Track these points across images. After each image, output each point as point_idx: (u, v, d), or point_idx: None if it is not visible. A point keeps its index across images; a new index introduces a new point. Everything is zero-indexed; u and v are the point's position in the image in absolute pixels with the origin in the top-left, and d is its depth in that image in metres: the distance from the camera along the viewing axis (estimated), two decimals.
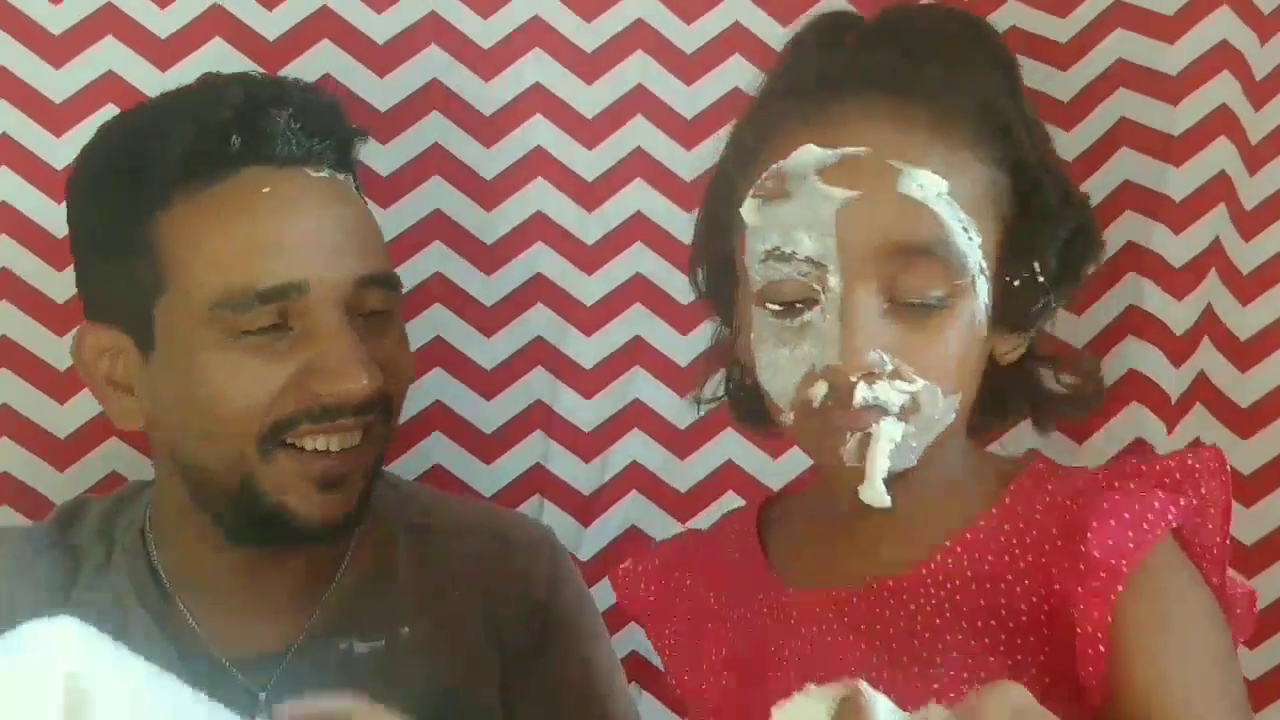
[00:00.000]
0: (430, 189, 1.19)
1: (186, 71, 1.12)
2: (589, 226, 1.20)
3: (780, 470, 1.20)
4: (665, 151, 1.20)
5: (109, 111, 1.09)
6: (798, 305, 0.80)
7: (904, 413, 0.79)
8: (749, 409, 0.92)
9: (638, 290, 1.20)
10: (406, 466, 1.18)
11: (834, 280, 0.79)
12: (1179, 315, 1.11)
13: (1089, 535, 0.77)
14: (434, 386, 1.19)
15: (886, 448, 0.79)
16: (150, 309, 0.91)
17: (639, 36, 1.20)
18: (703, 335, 1.17)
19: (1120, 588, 0.76)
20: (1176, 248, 1.11)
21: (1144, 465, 0.82)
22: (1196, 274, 1.11)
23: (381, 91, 1.18)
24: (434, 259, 1.19)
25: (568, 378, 1.20)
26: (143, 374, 0.93)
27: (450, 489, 1.18)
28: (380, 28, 1.18)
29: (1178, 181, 1.11)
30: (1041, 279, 0.83)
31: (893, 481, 0.80)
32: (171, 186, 0.90)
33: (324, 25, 1.18)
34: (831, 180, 0.79)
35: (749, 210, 0.82)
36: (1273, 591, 1.08)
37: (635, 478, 1.20)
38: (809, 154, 0.80)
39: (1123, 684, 0.76)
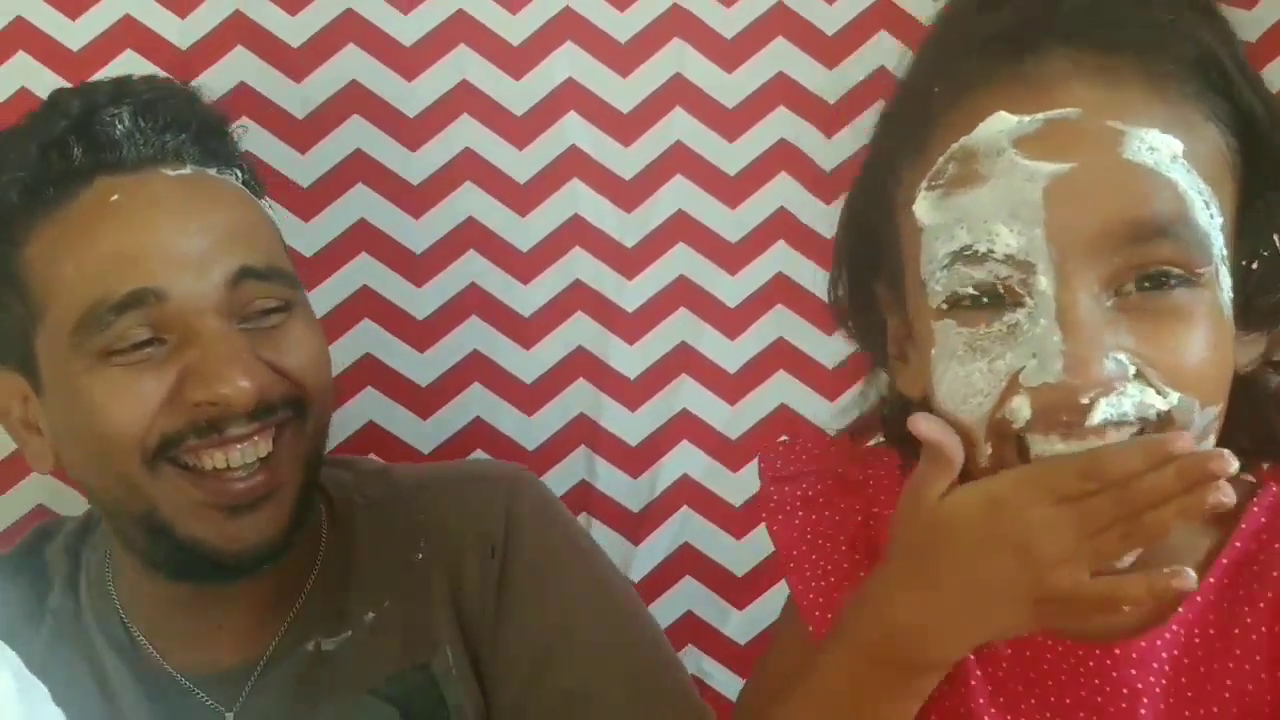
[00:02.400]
0: (462, 195, 1.13)
1: None
2: (628, 228, 1.14)
3: None
4: (706, 145, 1.14)
5: None
6: (991, 317, 0.65)
7: (1140, 430, 0.63)
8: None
9: (682, 294, 1.14)
10: None
11: (1044, 280, 0.63)
12: None
13: None
14: (473, 401, 1.13)
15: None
16: (31, 345, 0.86)
17: (676, 24, 1.13)
18: (750, 338, 1.14)
19: None
20: None
21: None
22: None
23: (408, 96, 1.13)
24: (470, 269, 1.13)
25: (611, 389, 1.14)
26: (42, 413, 0.88)
27: None
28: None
29: None
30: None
31: None
32: (24, 215, 0.85)
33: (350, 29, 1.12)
34: (1034, 153, 0.63)
35: (924, 207, 0.67)
36: None
37: (686, 492, 1.14)
38: (1001, 123, 0.64)
39: None
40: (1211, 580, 0.69)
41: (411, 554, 0.93)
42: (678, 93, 1.13)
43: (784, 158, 1.14)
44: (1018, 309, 0.64)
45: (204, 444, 0.84)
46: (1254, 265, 0.67)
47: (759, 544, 1.13)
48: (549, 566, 0.93)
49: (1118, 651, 0.69)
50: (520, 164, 1.13)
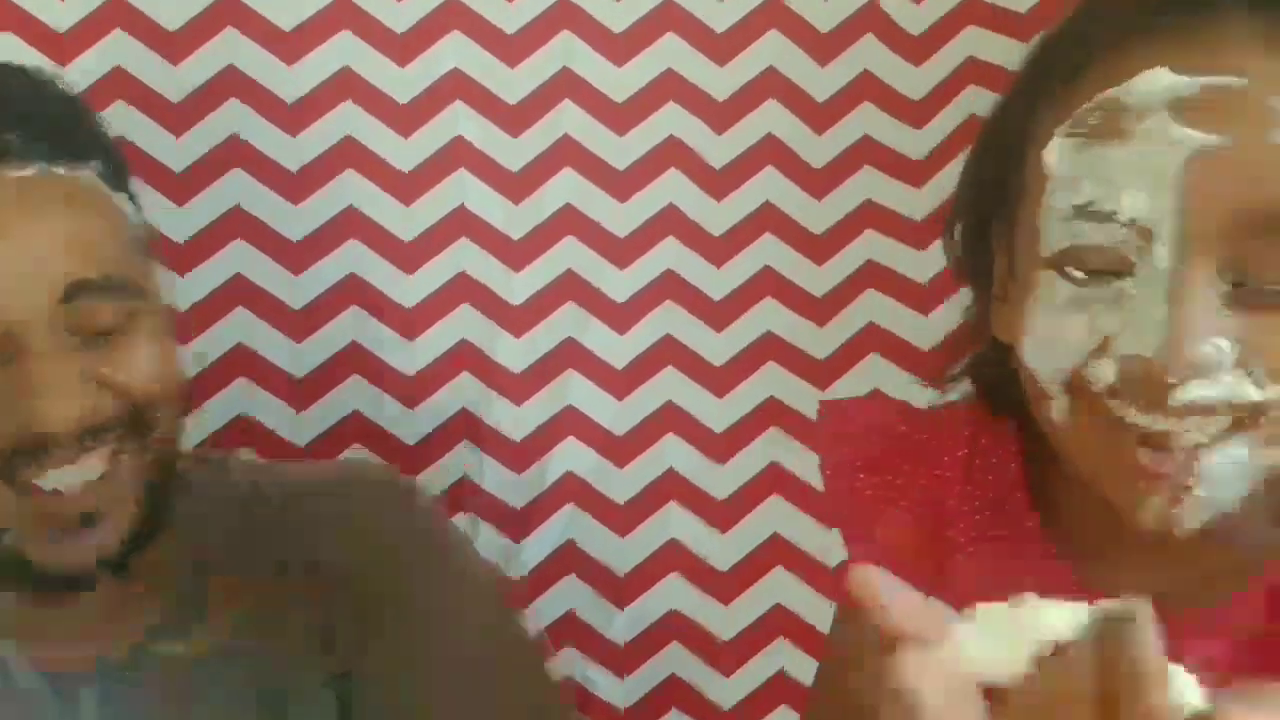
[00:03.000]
0: (343, 182, 1.10)
1: None
2: (516, 220, 1.12)
3: (727, 477, 1.12)
4: (596, 138, 1.13)
5: None
6: (1104, 277, 0.62)
7: (1246, 422, 0.61)
8: (1004, 399, 0.72)
9: (572, 286, 1.12)
10: None
11: (1161, 251, 0.60)
12: None
13: None
14: (352, 394, 1.10)
15: (1209, 500, 0.62)
16: None
17: (566, 17, 1.12)
18: (638, 334, 1.12)
19: None
20: None
21: None
22: None
23: (288, 81, 1.10)
24: (350, 258, 1.10)
25: (496, 383, 1.12)
26: None
27: None
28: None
29: None
30: None
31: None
32: None
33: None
34: (1187, 118, 0.60)
35: (1056, 153, 0.63)
36: None
37: (571, 489, 1.12)
38: (1160, 80, 0.60)
39: None
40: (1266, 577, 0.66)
41: (275, 561, 0.89)
42: (568, 86, 1.12)
43: (674, 153, 1.13)
44: (1128, 277, 0.61)
45: (29, 468, 0.78)
46: None
47: (644, 542, 1.12)
48: (424, 580, 0.89)
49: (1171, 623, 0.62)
50: (404, 152, 1.10)
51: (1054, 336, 0.63)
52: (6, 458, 0.78)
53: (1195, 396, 0.60)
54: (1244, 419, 0.61)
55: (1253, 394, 0.60)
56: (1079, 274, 0.63)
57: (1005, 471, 0.74)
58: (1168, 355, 0.59)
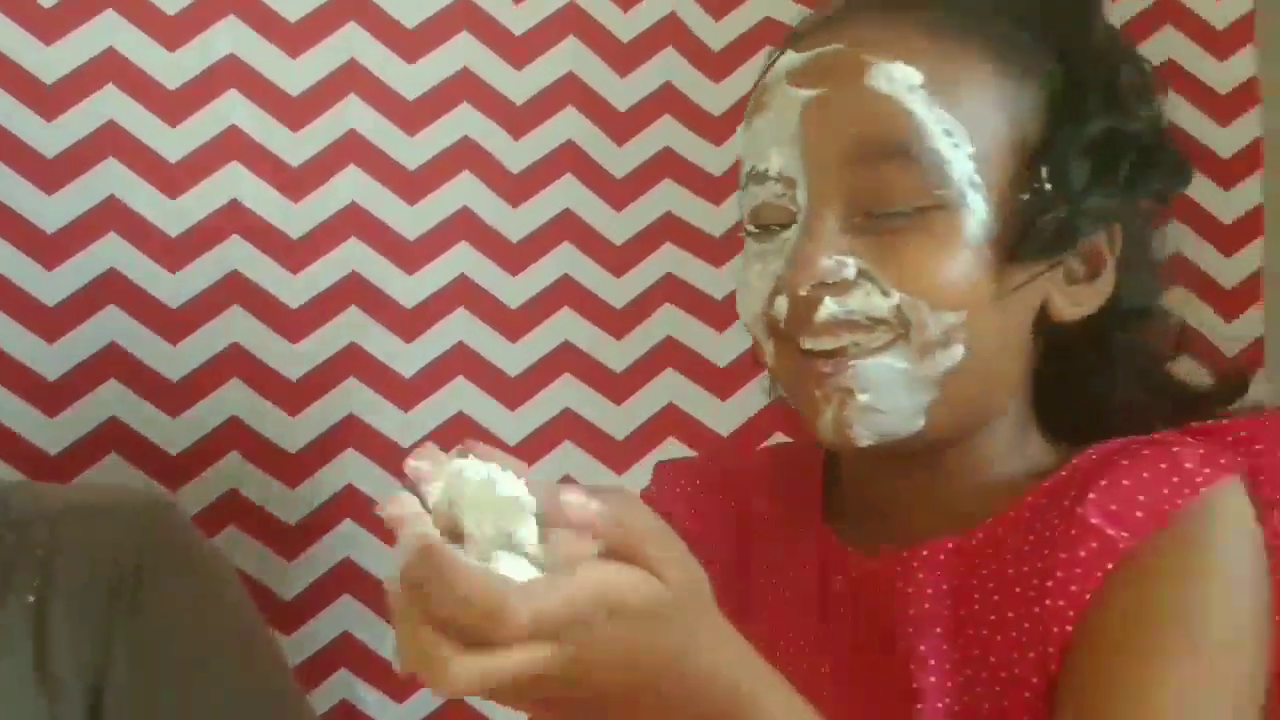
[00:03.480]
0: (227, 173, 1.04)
1: None
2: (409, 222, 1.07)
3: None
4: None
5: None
6: (775, 228, 0.72)
7: (891, 336, 0.68)
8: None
9: (357, 289, 1.06)
10: None
11: (802, 195, 0.71)
12: None
13: (1091, 496, 0.67)
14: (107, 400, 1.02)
15: (871, 407, 0.69)
16: None
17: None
18: (428, 341, 1.07)
19: (1110, 564, 0.65)
20: None
21: (1212, 424, 0.73)
22: None
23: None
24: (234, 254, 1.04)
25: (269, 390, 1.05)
26: None
27: None
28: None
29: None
30: (1049, 187, 0.69)
31: (928, 459, 0.72)
32: None
33: None
34: (799, 82, 0.71)
35: (740, 140, 0.76)
36: None
37: (352, 504, 1.05)
38: (786, 58, 0.73)
39: (1075, 689, 0.65)
40: (1028, 499, 0.71)
41: (19, 596, 0.81)
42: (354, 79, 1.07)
43: (469, 155, 1.09)
44: (793, 225, 0.71)
45: None
46: (1025, 196, 0.70)
47: None
48: (184, 614, 0.83)
49: (906, 554, 0.72)
50: (173, 142, 1.03)
51: (744, 288, 0.73)
52: None
53: (832, 311, 0.69)
54: (898, 334, 0.69)
55: (880, 303, 0.69)
56: (755, 229, 0.73)
57: (807, 482, 0.81)
58: (795, 270, 0.69)
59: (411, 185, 1.08)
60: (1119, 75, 0.73)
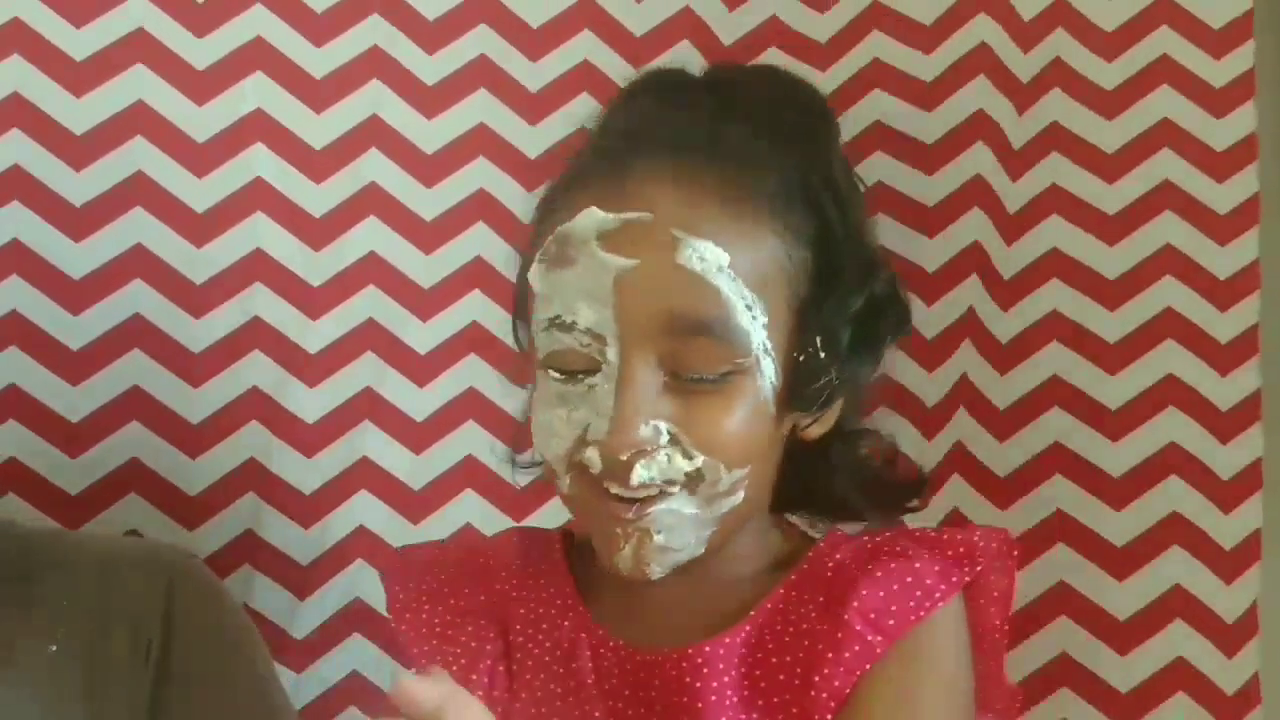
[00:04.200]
0: (130, 220, 1.06)
1: None
2: (315, 267, 1.09)
3: None
4: (402, 188, 1.11)
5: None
6: (579, 375, 0.78)
7: (689, 483, 0.77)
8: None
9: (373, 336, 1.10)
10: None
11: (612, 352, 0.76)
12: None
13: (854, 604, 0.78)
14: (131, 440, 1.05)
15: (666, 547, 0.78)
16: None
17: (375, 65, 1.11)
18: (439, 387, 1.10)
19: (868, 665, 0.77)
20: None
21: (934, 534, 0.82)
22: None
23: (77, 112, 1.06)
24: (137, 299, 1.06)
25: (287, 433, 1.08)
26: None
27: None
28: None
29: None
30: (823, 355, 0.79)
31: (689, 567, 0.80)
32: None
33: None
34: (611, 247, 0.76)
35: (535, 275, 0.79)
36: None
37: (361, 544, 1.08)
38: (591, 218, 0.77)
39: None
40: (780, 592, 0.81)
41: (44, 643, 0.85)
42: (375, 133, 1.11)
43: (482, 207, 1.12)
44: (597, 374, 0.77)
45: None
46: (801, 358, 0.79)
47: None
48: (209, 676, 0.87)
49: (690, 651, 0.79)
50: (198, 192, 1.07)
51: (546, 428, 0.79)
52: None
53: (643, 476, 0.75)
54: (688, 482, 0.77)
55: (684, 466, 0.76)
56: (557, 375, 0.78)
57: (555, 570, 0.87)
58: (615, 436, 0.75)
59: (428, 235, 1.11)
60: (864, 230, 0.85)
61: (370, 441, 1.09)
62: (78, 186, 1.05)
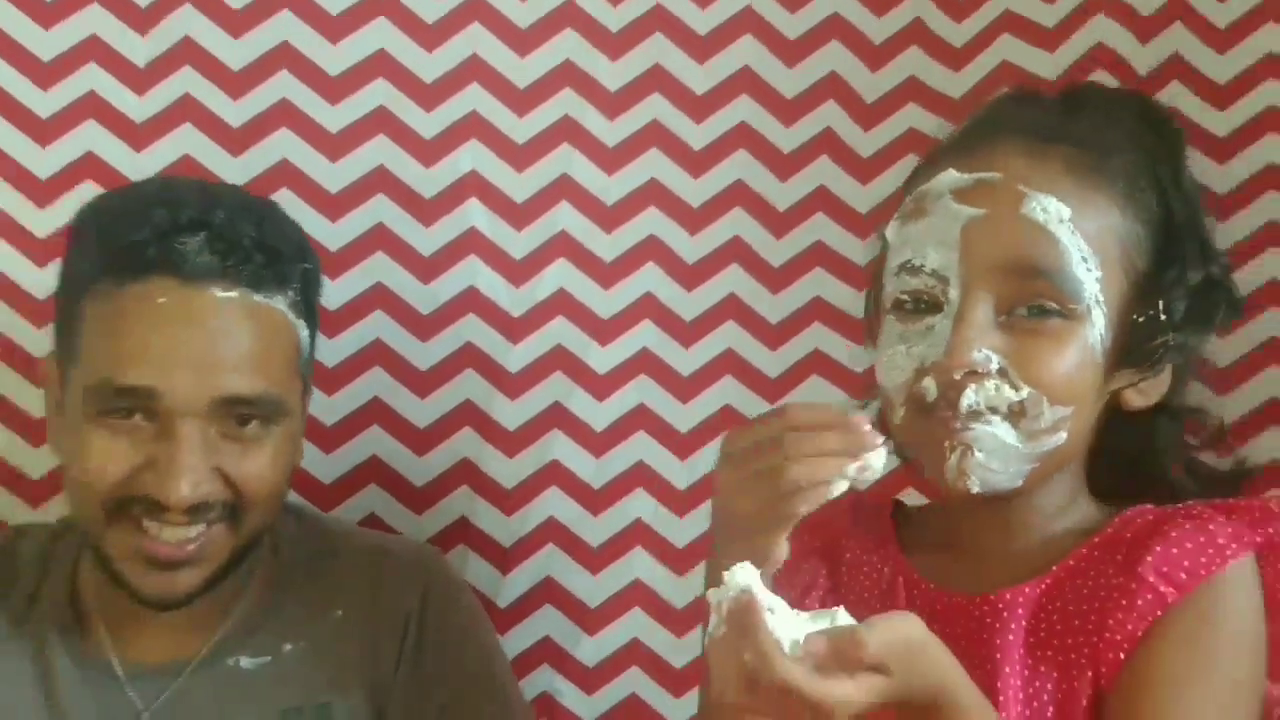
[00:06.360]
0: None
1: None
2: (516, 301, 1.30)
3: (686, 528, 1.29)
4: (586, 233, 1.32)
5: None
6: (923, 311, 0.87)
7: (1011, 415, 0.85)
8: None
9: (561, 358, 1.30)
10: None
11: (954, 292, 0.85)
12: None
13: (1148, 558, 0.84)
14: (370, 442, 1.29)
15: (986, 466, 0.85)
16: (69, 370, 1.00)
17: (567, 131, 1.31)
18: (614, 402, 1.30)
19: (1159, 612, 0.83)
20: None
21: (1230, 501, 0.88)
22: None
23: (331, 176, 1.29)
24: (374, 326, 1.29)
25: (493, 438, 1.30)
26: (56, 417, 1.03)
27: None
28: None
29: None
30: (1164, 317, 0.87)
31: (1006, 502, 0.88)
32: (91, 279, 0.98)
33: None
34: (963, 200, 0.87)
35: (891, 230, 0.91)
36: None
37: (551, 532, 1.29)
38: (948, 176, 0.88)
39: (1126, 701, 0.82)
40: (1083, 551, 0.88)
41: (331, 609, 1.08)
42: (565, 190, 1.30)
43: (653, 250, 1.31)
44: (937, 314, 0.87)
45: (145, 513, 0.97)
46: (1140, 319, 0.88)
47: (611, 580, 1.29)
48: (452, 644, 1.09)
49: (993, 597, 0.88)
50: (426, 240, 1.29)
51: (890, 361, 0.89)
52: (129, 500, 0.97)
53: (972, 400, 0.84)
54: (1011, 414, 0.85)
55: (1010, 395, 0.84)
56: (901, 313, 0.88)
57: (881, 525, 0.99)
58: (950, 358, 0.84)
59: (607, 274, 1.31)
60: (1203, 223, 0.93)
61: (559, 447, 1.30)
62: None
